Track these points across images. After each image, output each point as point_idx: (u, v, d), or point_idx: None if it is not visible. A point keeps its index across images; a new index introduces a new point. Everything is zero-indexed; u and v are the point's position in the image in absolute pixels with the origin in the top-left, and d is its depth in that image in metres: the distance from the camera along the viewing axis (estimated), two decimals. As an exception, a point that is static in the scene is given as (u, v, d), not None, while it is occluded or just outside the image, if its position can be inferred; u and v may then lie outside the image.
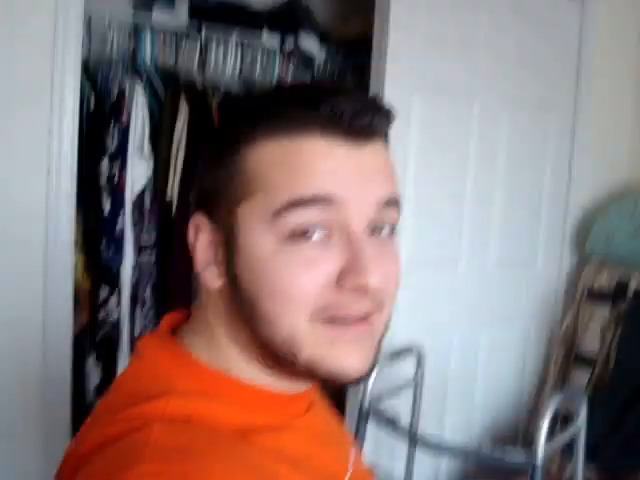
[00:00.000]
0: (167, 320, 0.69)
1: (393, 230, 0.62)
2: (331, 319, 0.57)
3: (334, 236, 0.57)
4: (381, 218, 0.59)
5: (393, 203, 0.60)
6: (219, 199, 0.61)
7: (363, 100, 0.59)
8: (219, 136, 0.64)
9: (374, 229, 0.59)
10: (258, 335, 0.59)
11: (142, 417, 0.56)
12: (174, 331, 0.67)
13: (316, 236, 0.56)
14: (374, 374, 1.79)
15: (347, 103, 0.57)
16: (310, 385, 0.67)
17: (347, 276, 0.56)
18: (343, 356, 0.58)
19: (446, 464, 2.48)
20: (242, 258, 0.59)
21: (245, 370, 0.63)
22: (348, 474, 0.70)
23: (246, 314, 0.60)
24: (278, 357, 0.59)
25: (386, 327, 0.63)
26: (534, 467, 1.55)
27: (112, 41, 2.37)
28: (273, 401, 0.63)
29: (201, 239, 0.62)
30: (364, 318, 0.59)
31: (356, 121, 0.57)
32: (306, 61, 2.77)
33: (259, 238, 0.57)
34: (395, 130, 0.64)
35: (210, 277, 0.62)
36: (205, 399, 0.60)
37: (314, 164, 0.56)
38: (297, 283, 0.56)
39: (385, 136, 0.62)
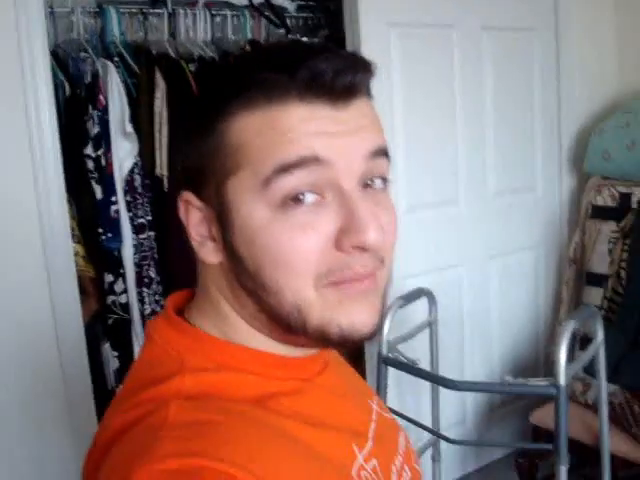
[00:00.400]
0: (171, 300, 0.68)
1: (385, 182, 0.61)
2: (337, 282, 0.57)
3: (327, 197, 0.56)
4: (370, 170, 0.58)
5: (380, 153, 0.59)
6: (206, 175, 0.59)
7: (342, 58, 0.56)
8: (197, 112, 0.61)
9: (366, 183, 0.58)
10: (265, 306, 0.59)
11: (158, 398, 0.56)
12: (181, 311, 0.67)
13: (309, 199, 0.55)
14: (388, 320, 1.80)
15: (326, 64, 0.54)
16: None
17: (345, 235, 0.55)
18: (353, 313, 0.58)
19: (471, 400, 2.51)
20: (238, 232, 0.58)
21: (255, 341, 0.62)
22: (372, 425, 0.70)
23: (250, 286, 0.59)
24: (288, 326, 0.58)
25: (388, 280, 0.62)
26: (558, 390, 1.56)
27: (78, 23, 2.30)
28: (286, 366, 0.63)
29: (192, 216, 0.61)
30: (370, 274, 0.58)
31: (337, 82, 0.55)
32: (278, 15, 2.70)
33: (252, 209, 0.56)
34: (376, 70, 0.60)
35: (208, 253, 0.61)
36: (219, 373, 0.59)
37: (297, 128, 0.54)
38: (296, 248, 0.55)
39: (367, 90, 0.60)
